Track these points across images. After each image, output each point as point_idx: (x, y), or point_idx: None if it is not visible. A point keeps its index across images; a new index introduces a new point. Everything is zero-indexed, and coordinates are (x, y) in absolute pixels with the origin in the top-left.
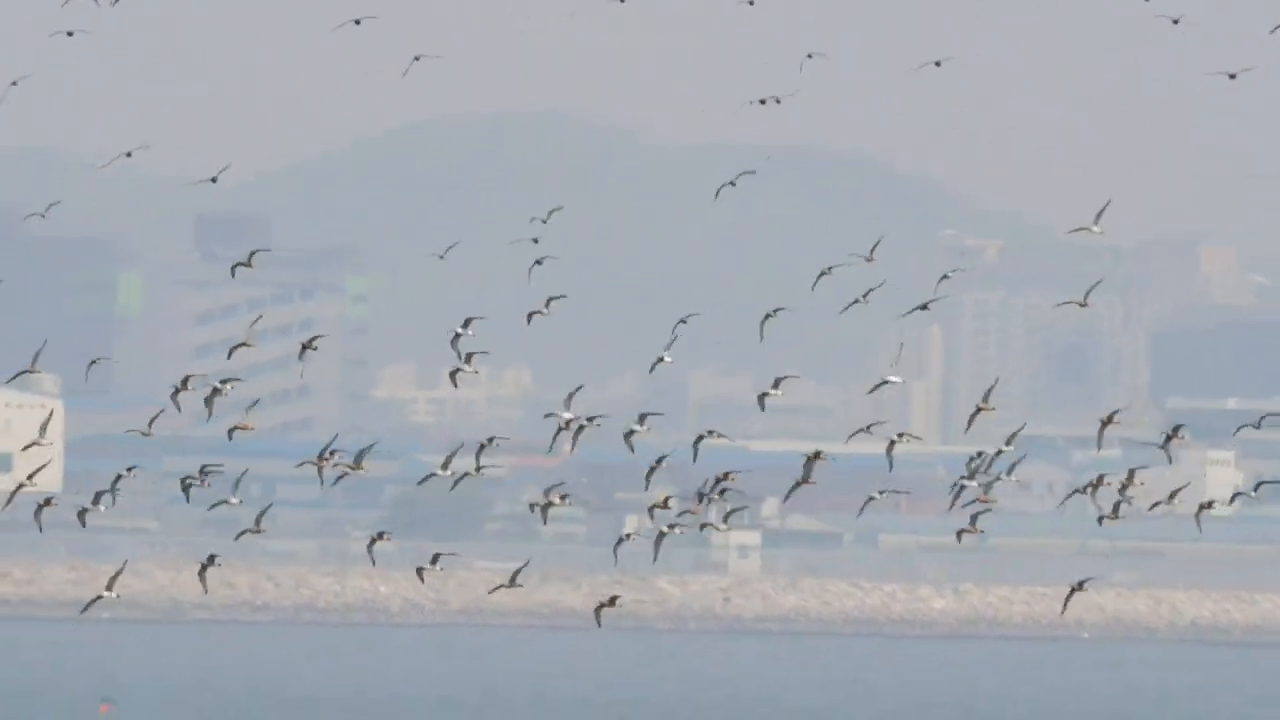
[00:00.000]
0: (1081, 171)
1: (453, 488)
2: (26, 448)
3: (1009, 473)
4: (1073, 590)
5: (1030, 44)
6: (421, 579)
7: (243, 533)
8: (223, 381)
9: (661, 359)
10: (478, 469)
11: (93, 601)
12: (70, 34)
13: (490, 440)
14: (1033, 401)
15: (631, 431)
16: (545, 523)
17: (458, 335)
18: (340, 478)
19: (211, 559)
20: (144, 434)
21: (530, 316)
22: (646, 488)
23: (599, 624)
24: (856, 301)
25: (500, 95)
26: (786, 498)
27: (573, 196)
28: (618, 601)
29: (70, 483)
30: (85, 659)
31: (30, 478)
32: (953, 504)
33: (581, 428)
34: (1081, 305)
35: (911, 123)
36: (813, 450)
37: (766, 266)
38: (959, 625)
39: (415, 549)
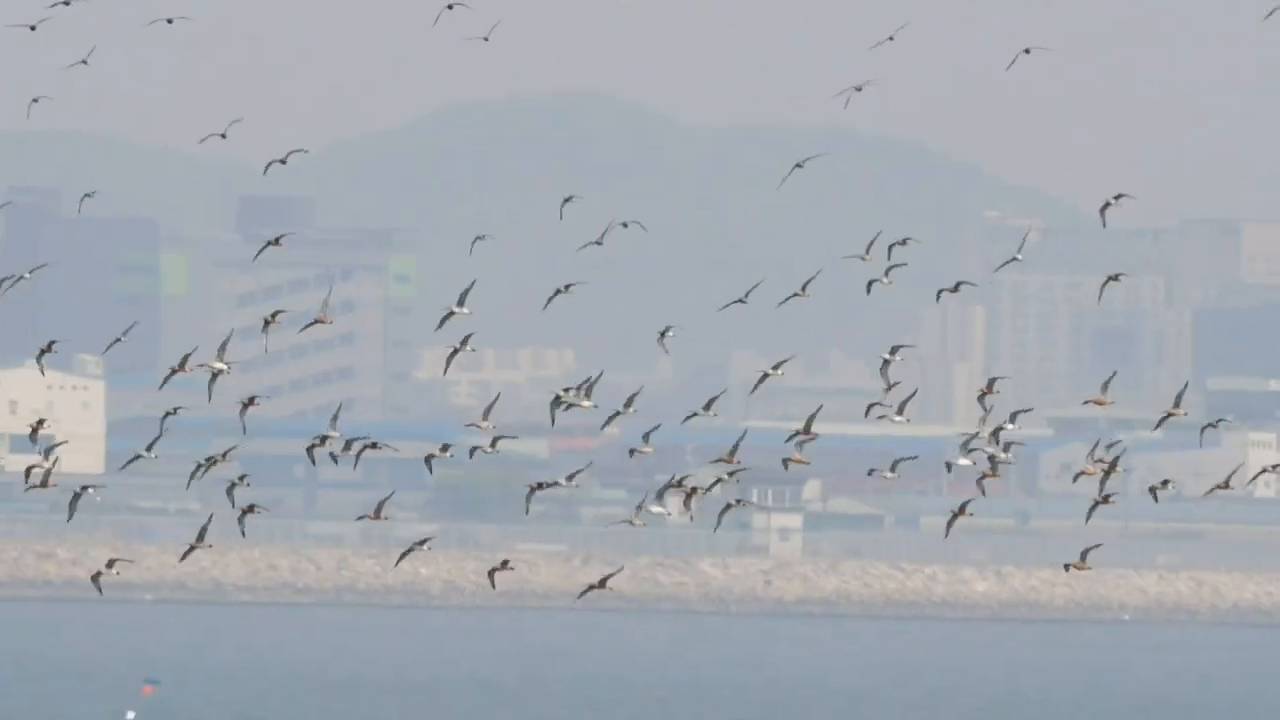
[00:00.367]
0: (1124, 154)
1: (493, 444)
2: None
3: (1006, 450)
4: (1070, 567)
5: (1072, 27)
6: (493, 583)
7: (244, 514)
8: (224, 362)
9: (666, 331)
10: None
11: (96, 576)
12: (170, 21)
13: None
14: (1075, 383)
15: (630, 399)
16: (527, 510)
17: (450, 314)
18: (361, 451)
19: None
20: (170, 413)
21: (550, 299)
22: (672, 481)
23: (581, 597)
24: (875, 282)
25: (543, 77)
26: (786, 467)
27: (614, 178)
28: (608, 583)
29: (113, 463)
30: (129, 640)
31: (47, 455)
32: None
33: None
34: (1115, 280)
35: (953, 105)
36: (802, 424)
37: (808, 248)
38: (1000, 608)
39: (459, 531)
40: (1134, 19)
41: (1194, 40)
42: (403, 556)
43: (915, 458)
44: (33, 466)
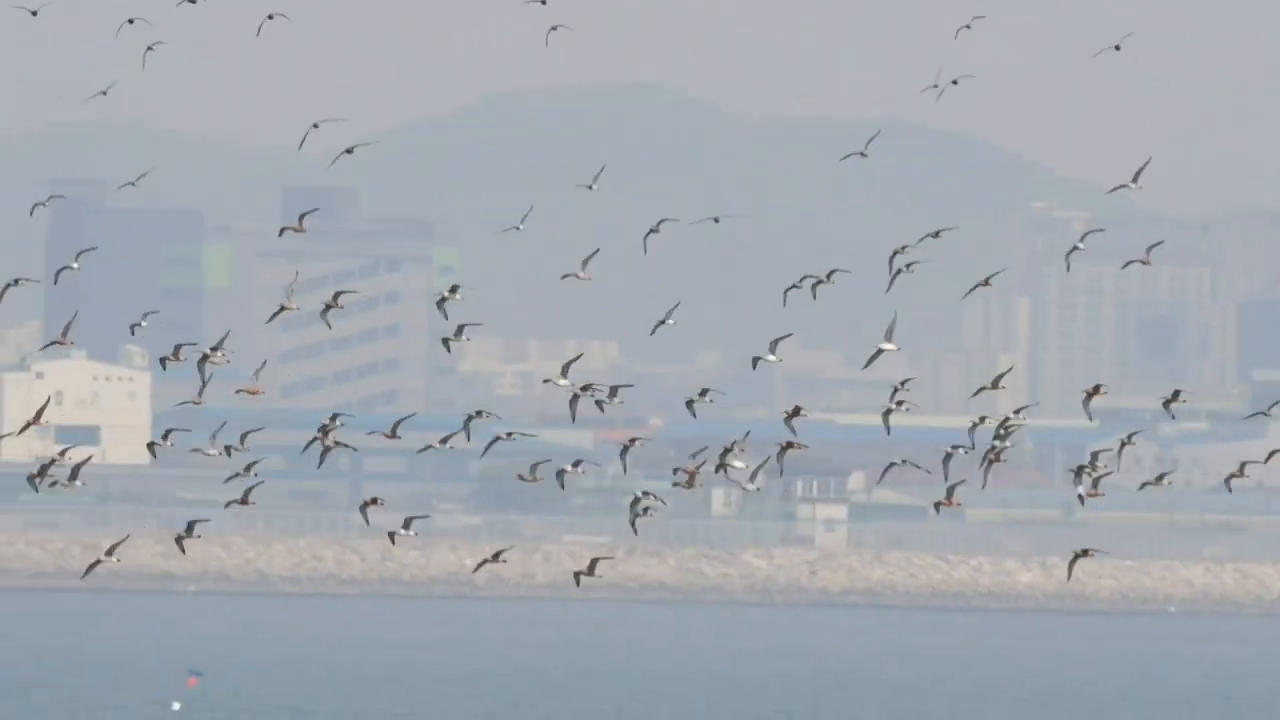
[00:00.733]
0: (1170, 144)
1: (509, 436)
2: (22, 429)
3: (1004, 439)
4: (1076, 557)
5: (1118, 18)
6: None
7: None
8: (213, 349)
9: (666, 321)
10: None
11: (93, 565)
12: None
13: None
14: (1120, 374)
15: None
16: (563, 486)
17: (443, 299)
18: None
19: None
20: (195, 403)
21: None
22: (721, 461)
23: (578, 582)
24: (899, 272)
25: (589, 68)
26: (779, 460)
27: (661, 170)
28: (596, 568)
29: (158, 454)
30: (173, 631)
31: (63, 453)
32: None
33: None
34: (1144, 264)
35: (999, 96)
36: (792, 407)
37: (854, 240)
38: (1045, 599)
39: (503, 522)
40: (1184, 12)
41: (1240, 35)
42: (482, 564)
43: (972, 448)
44: (51, 461)
